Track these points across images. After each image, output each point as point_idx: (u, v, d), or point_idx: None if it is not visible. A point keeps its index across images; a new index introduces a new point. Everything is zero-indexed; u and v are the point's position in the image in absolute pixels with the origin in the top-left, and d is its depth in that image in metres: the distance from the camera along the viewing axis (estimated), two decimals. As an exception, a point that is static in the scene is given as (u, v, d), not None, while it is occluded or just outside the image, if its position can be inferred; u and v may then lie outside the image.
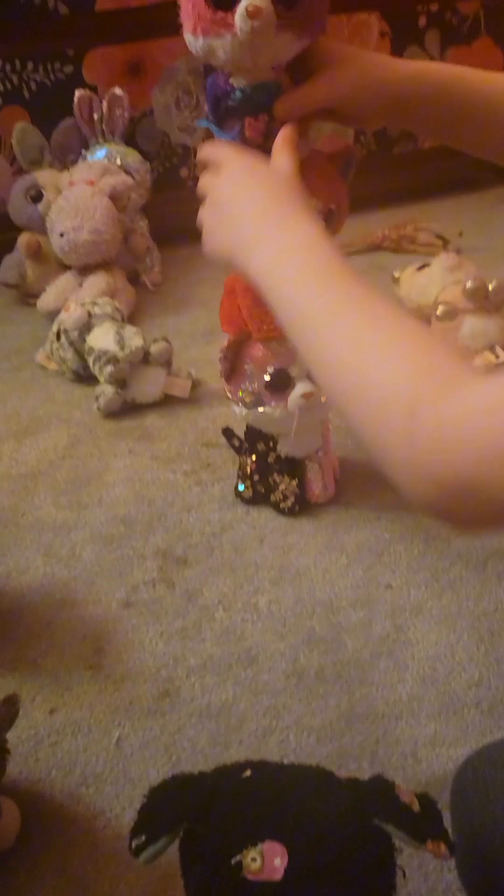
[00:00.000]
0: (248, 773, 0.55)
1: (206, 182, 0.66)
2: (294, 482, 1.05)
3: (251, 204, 0.62)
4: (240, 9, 0.70)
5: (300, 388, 0.95)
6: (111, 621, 0.94)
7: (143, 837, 0.54)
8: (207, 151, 0.68)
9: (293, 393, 0.96)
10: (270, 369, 0.95)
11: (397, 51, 1.82)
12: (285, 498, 1.05)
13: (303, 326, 0.53)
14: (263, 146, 0.75)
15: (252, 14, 0.70)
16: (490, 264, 1.63)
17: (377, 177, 1.95)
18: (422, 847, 0.51)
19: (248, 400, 0.98)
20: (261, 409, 0.98)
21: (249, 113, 0.78)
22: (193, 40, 0.76)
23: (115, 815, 0.75)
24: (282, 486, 1.05)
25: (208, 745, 0.81)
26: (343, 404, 0.50)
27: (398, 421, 0.44)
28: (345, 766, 0.79)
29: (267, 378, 0.95)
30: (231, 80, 0.77)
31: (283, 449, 1.03)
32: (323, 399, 0.97)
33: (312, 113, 0.77)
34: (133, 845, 0.55)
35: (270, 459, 1.05)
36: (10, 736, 0.72)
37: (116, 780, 0.78)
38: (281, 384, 0.96)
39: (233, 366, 0.97)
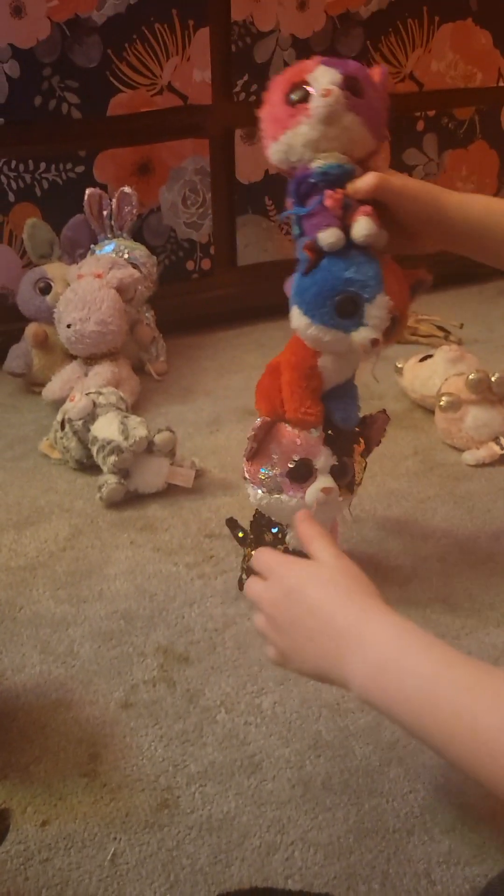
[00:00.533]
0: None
1: (258, 592, 0.67)
2: None
3: (322, 609, 0.61)
4: (313, 119, 0.84)
5: (321, 482, 0.94)
6: (108, 724, 0.90)
7: None
8: (259, 559, 0.68)
9: (313, 486, 0.94)
10: (296, 457, 0.95)
11: (397, 153, 1.89)
12: None
13: (441, 716, 0.51)
14: (342, 219, 0.85)
15: (324, 93, 0.83)
16: (491, 356, 1.65)
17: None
18: None
19: (267, 484, 0.97)
20: (276, 497, 0.97)
21: (328, 186, 0.86)
22: (276, 145, 0.88)
23: (107, 942, 0.70)
24: None
25: (209, 862, 0.76)
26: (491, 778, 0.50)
27: None
28: (353, 888, 0.74)
29: (291, 465, 0.95)
30: (310, 165, 0.87)
31: (292, 542, 1.01)
32: (340, 498, 0.96)
33: (383, 199, 0.86)
34: None
35: (279, 550, 1.03)
36: (-1, 853, 0.68)
37: (110, 902, 0.73)
38: (303, 474, 0.95)
39: (259, 447, 0.97)
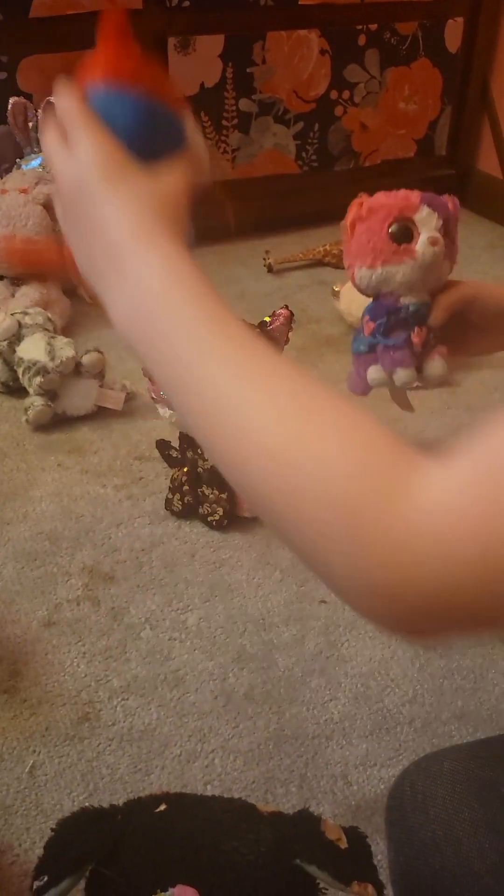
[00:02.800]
0: (163, 807, 0.51)
1: (59, 159, 0.47)
2: (224, 495, 1.01)
3: (105, 218, 0.46)
4: (423, 239, 0.88)
5: None
6: (30, 642, 0.88)
7: (46, 878, 0.49)
8: (66, 110, 0.47)
9: None
10: None
11: (338, 69, 1.83)
12: (214, 511, 1.02)
13: (187, 380, 0.41)
14: (421, 354, 0.92)
15: (433, 242, 0.88)
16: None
17: (318, 193, 1.95)
18: (347, 890, 0.48)
19: (169, 401, 0.95)
20: None
21: (418, 324, 0.91)
22: (369, 272, 0.91)
23: (24, 850, 0.70)
24: (211, 499, 1.02)
25: (129, 771, 0.76)
26: (251, 488, 0.39)
27: (338, 528, 0.35)
28: (272, 791, 0.75)
29: None
30: (401, 299, 0.91)
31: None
32: None
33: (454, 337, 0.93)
34: (34, 887, 0.50)
35: (200, 469, 1.02)
36: None
37: (28, 811, 0.73)
38: None
39: None
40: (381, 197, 0.90)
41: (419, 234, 0.89)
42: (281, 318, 0.99)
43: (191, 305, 0.43)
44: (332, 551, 0.36)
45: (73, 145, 0.46)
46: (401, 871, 0.55)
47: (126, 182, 0.46)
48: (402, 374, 0.92)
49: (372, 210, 0.89)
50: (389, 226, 0.88)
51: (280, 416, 0.38)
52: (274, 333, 0.98)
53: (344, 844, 0.49)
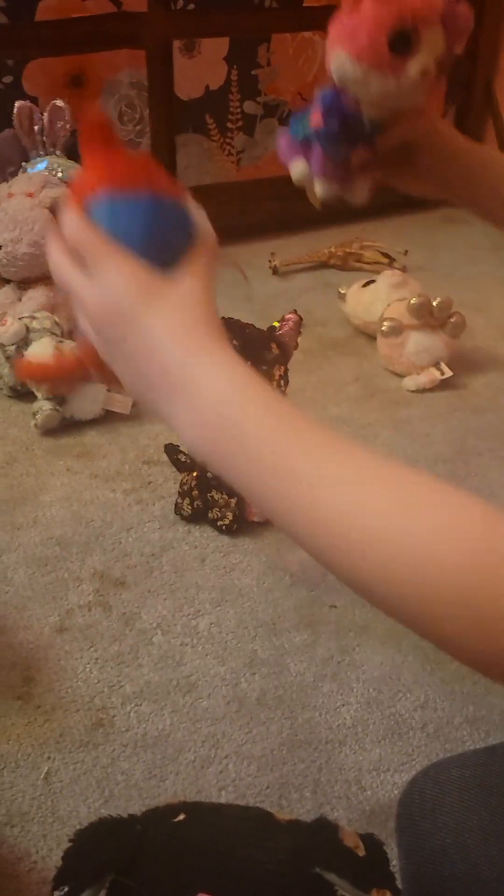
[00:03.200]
0: (181, 816, 0.51)
1: (77, 282, 0.46)
2: (233, 500, 1.02)
3: (154, 340, 0.45)
4: (417, 61, 0.71)
5: None
6: (43, 648, 0.89)
7: (66, 889, 0.50)
8: (76, 233, 0.45)
9: None
10: None
11: None
12: (223, 516, 1.02)
13: (278, 484, 0.41)
14: (348, 177, 0.76)
15: (425, 72, 0.73)
16: (434, 282, 1.64)
17: (323, 195, 1.95)
18: None
19: None
20: None
21: (365, 142, 0.80)
22: (350, 64, 0.76)
23: (41, 857, 0.70)
24: (220, 504, 1.02)
25: (143, 777, 0.76)
26: (372, 588, 0.38)
27: (462, 621, 0.35)
28: (286, 796, 0.75)
29: None
30: (363, 109, 0.77)
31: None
32: None
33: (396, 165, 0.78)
34: None
35: (209, 475, 1.02)
36: None
37: (44, 818, 0.73)
38: None
39: None
40: None
41: (418, 51, 0.71)
42: (290, 323, 0.99)
43: (263, 409, 0.43)
44: (459, 637, 0.36)
45: (97, 271, 0.45)
46: (411, 878, 0.56)
47: (161, 300, 0.45)
48: (321, 188, 0.78)
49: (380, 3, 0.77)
50: (394, 29, 0.70)
51: (381, 511, 0.38)
52: (283, 338, 0.98)
53: (362, 852, 0.49)
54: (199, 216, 0.49)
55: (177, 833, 0.48)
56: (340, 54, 0.77)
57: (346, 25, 0.77)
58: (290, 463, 0.41)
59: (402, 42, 0.75)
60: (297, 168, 0.84)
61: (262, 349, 0.95)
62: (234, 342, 0.92)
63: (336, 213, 2.00)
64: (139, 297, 0.45)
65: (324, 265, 1.80)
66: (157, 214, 0.45)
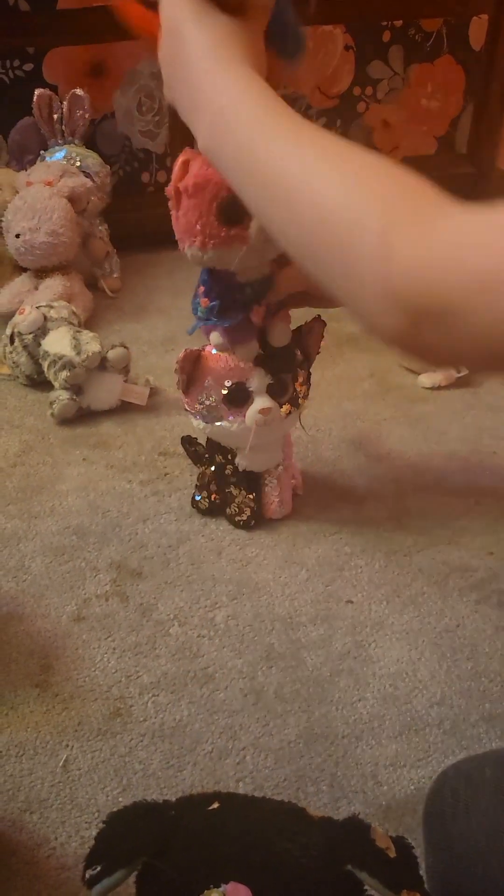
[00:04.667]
0: (215, 805, 0.52)
1: (166, 15, 0.60)
2: (251, 496, 1.02)
3: (191, 51, 0.57)
4: (255, 223, 0.78)
5: (259, 403, 0.92)
6: (61, 637, 0.89)
7: (98, 868, 0.50)
8: None
9: (252, 408, 0.93)
10: (228, 383, 0.92)
11: (361, 65, 1.83)
12: (241, 511, 1.02)
13: (254, 169, 0.51)
14: (263, 327, 0.90)
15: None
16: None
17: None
18: None
19: (205, 413, 0.95)
20: (218, 424, 0.95)
21: (258, 303, 0.87)
22: (200, 253, 0.82)
23: (59, 843, 0.70)
24: (238, 500, 1.02)
25: (160, 767, 0.77)
26: (306, 245, 0.48)
27: (369, 246, 0.43)
28: (303, 789, 0.76)
29: (225, 392, 0.92)
30: (238, 279, 0.85)
31: (241, 463, 1.00)
32: (285, 415, 0.95)
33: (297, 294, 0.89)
34: (87, 876, 0.51)
35: (228, 471, 1.02)
36: (-51, 760, 0.68)
37: (62, 805, 0.73)
38: (239, 398, 0.93)
39: (190, 378, 0.94)
40: (205, 169, 0.77)
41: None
42: (314, 329, 0.99)
43: (258, 113, 0.52)
44: (361, 268, 0.44)
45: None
46: (439, 877, 0.56)
47: (206, 18, 0.58)
48: (241, 351, 0.91)
49: (198, 187, 0.77)
50: (219, 205, 0.77)
51: (330, 174, 0.47)
52: (307, 343, 0.98)
53: (393, 853, 0.49)
54: None
55: (210, 821, 0.49)
56: (189, 249, 0.82)
57: (181, 223, 0.81)
58: (274, 158, 0.50)
59: (230, 214, 0.78)
60: (215, 340, 0.92)
61: (286, 357, 0.95)
62: (261, 350, 0.92)
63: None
64: (190, 12, 0.58)
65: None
66: None
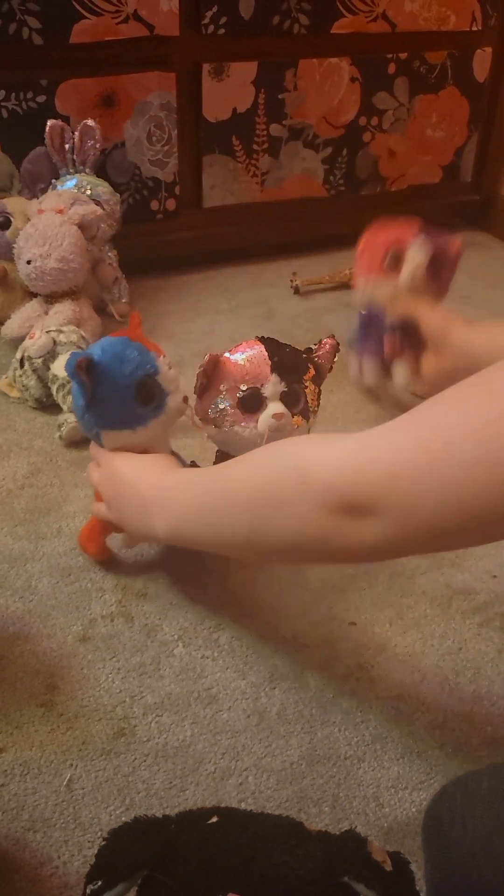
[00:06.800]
0: (214, 819, 0.52)
1: (95, 477, 0.94)
2: None
3: (131, 480, 0.87)
4: (406, 270, 1.22)
5: (272, 409, 0.95)
6: (66, 656, 0.90)
7: (100, 883, 0.51)
8: (94, 450, 0.97)
9: (264, 413, 0.95)
10: (244, 387, 0.95)
11: (367, 96, 1.86)
12: None
13: (210, 522, 0.75)
14: (391, 358, 1.17)
15: (413, 277, 1.22)
16: (453, 305, 1.65)
17: (345, 216, 1.98)
18: None
19: (218, 418, 0.97)
20: (230, 430, 0.96)
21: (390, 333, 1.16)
22: (366, 288, 1.22)
23: (62, 862, 0.71)
24: None
25: (164, 786, 0.77)
26: (248, 532, 0.70)
27: (292, 488, 0.63)
28: (305, 810, 0.76)
29: (240, 395, 0.95)
30: (383, 314, 1.17)
31: None
32: (296, 426, 0.97)
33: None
34: (88, 891, 0.51)
35: None
36: (-46, 777, 0.68)
37: (66, 824, 0.74)
38: (253, 404, 0.95)
39: (210, 381, 0.97)
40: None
41: (404, 263, 1.15)
42: (327, 347, 1.03)
43: (193, 489, 0.80)
44: (290, 500, 0.63)
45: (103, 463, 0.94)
46: (437, 889, 0.56)
47: (130, 459, 0.91)
48: (367, 373, 1.15)
49: (375, 239, 1.19)
50: (384, 257, 1.14)
51: (238, 524, 0.72)
52: (320, 360, 1.02)
53: (389, 867, 0.50)
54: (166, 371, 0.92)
55: (210, 834, 0.50)
56: (360, 279, 1.22)
57: (363, 258, 1.21)
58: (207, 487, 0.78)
59: (392, 261, 1.13)
60: (352, 370, 1.25)
61: (299, 369, 0.97)
62: (274, 358, 0.95)
63: (357, 235, 2.02)
64: (119, 460, 0.91)
65: (345, 286, 1.82)
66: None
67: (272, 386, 0.95)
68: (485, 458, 0.49)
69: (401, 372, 1.14)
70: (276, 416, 0.95)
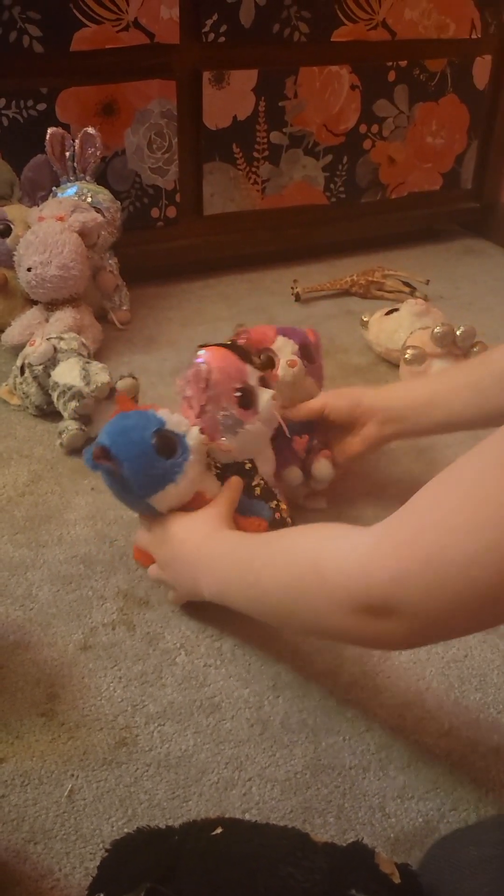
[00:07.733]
0: (219, 830, 0.51)
1: (147, 541, 0.95)
2: (282, 503, 1.02)
3: (180, 542, 0.89)
4: (263, 398, 1.00)
5: (266, 394, 0.99)
6: (67, 665, 0.89)
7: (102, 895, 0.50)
8: (143, 519, 0.97)
9: (262, 397, 0.98)
10: (238, 385, 0.97)
11: (367, 103, 1.86)
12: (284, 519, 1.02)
13: (250, 597, 0.78)
14: (306, 459, 1.10)
15: (291, 364, 1.07)
16: (455, 312, 1.65)
17: (346, 224, 1.98)
18: None
19: (229, 425, 0.97)
20: (241, 430, 0.97)
21: (298, 434, 1.09)
22: (237, 441, 1.03)
23: (64, 874, 0.70)
24: (283, 507, 1.02)
25: (166, 797, 0.76)
26: (284, 616, 0.75)
27: (317, 588, 0.65)
28: (310, 821, 0.75)
29: (238, 394, 0.97)
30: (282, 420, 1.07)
31: (264, 467, 1.02)
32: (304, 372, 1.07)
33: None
34: None
35: (257, 492, 1.01)
36: (-46, 788, 0.67)
37: (67, 836, 0.73)
38: (249, 398, 0.98)
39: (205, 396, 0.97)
40: (219, 364, 0.97)
41: (279, 361, 1.07)
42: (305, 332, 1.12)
43: (234, 561, 0.82)
44: (313, 595, 0.67)
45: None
46: None
47: (179, 520, 0.91)
48: (288, 475, 1.08)
49: (216, 383, 0.96)
50: (236, 392, 0.97)
51: (275, 613, 0.78)
52: (312, 353, 1.10)
53: (397, 879, 0.49)
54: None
55: (214, 846, 0.49)
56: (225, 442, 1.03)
57: (207, 426, 0.97)
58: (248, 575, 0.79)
59: (245, 399, 0.99)
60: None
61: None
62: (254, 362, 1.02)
63: (358, 242, 2.02)
64: (169, 522, 0.92)
65: (346, 293, 1.82)
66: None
67: (252, 377, 0.99)
68: (491, 544, 0.51)
69: (322, 467, 1.08)
70: (289, 362, 1.05)
